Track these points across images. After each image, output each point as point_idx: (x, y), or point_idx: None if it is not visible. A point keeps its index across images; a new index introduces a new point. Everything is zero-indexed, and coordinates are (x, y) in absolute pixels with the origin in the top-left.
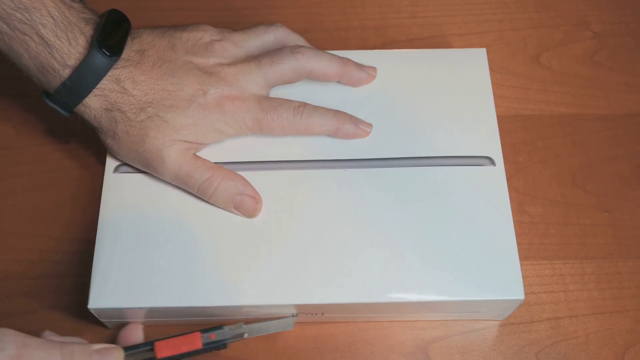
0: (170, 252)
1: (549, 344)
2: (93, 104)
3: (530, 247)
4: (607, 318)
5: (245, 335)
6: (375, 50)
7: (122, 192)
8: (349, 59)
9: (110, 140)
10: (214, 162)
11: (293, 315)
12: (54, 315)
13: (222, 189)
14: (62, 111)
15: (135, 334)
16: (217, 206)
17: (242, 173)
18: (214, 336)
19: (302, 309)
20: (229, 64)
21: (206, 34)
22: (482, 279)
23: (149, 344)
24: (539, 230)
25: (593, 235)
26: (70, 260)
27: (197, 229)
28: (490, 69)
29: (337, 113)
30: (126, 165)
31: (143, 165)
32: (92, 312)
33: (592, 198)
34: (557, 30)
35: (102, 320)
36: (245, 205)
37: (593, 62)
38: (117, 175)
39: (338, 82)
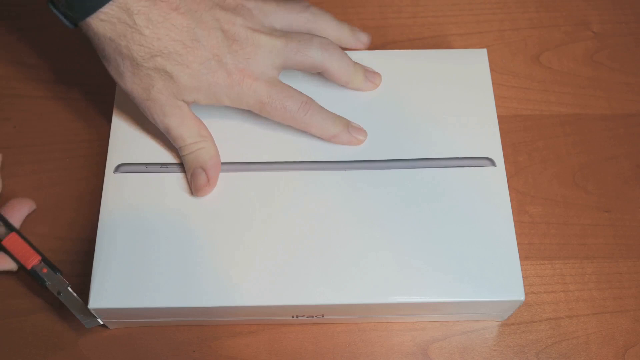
0: (171, 253)
1: (549, 344)
2: (98, 29)
3: (531, 247)
4: (608, 318)
5: (61, 295)
6: (375, 51)
7: (122, 192)
8: (366, 69)
9: (114, 73)
10: None
11: (97, 320)
12: (54, 316)
13: (193, 156)
14: (65, 22)
15: (21, 210)
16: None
17: (243, 174)
18: (45, 270)
19: (302, 311)
20: (254, 30)
21: None
22: (483, 280)
23: (9, 228)
24: (540, 230)
25: (593, 235)
26: (70, 260)
27: (197, 229)
28: (491, 69)
29: (337, 121)
30: (126, 165)
31: (141, 107)
32: (92, 312)
33: (592, 198)
34: (558, 30)
35: (102, 320)
36: (197, 179)
37: (593, 62)
38: (117, 175)
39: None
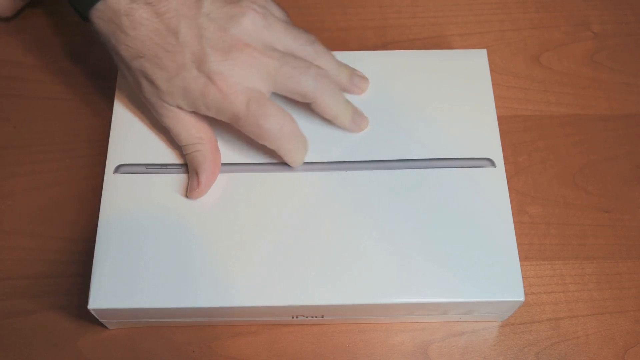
0: (170, 253)
1: (549, 344)
2: (96, 25)
3: (531, 248)
4: (607, 319)
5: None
6: (376, 51)
7: (121, 192)
8: (355, 110)
9: (118, 68)
10: None
11: None
12: (54, 316)
13: (190, 157)
14: (79, 14)
15: None
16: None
17: (243, 174)
18: None
19: (301, 311)
20: (247, 44)
21: (246, 1)
22: (483, 281)
23: None
24: (539, 230)
25: (593, 235)
26: (70, 260)
27: (197, 230)
28: (491, 69)
29: (304, 151)
30: (126, 165)
31: (142, 99)
32: (92, 312)
33: (592, 198)
34: (558, 31)
35: (102, 320)
36: (190, 181)
37: (593, 62)
38: (117, 175)
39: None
